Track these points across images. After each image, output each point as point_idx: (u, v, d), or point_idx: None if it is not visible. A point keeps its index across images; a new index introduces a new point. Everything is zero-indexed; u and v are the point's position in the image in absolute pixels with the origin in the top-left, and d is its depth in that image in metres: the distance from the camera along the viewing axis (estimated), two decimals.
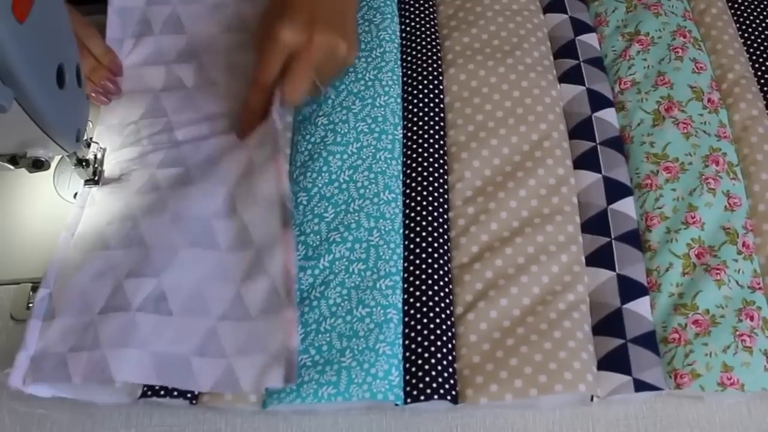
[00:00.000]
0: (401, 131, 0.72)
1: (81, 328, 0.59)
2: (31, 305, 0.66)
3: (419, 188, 0.68)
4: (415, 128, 0.72)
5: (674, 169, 0.68)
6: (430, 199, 0.67)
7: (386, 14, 0.78)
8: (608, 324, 0.62)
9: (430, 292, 0.63)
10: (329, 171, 0.68)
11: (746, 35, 0.78)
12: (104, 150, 0.71)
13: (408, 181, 0.69)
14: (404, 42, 0.78)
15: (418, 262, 0.64)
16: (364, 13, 0.78)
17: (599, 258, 0.65)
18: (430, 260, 0.64)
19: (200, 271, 0.61)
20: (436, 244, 0.65)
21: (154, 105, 0.74)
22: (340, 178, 0.68)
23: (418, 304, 0.62)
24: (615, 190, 0.68)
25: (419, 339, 0.61)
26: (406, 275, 0.64)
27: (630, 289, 0.63)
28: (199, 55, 0.76)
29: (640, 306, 0.63)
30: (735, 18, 0.79)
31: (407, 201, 0.68)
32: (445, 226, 0.67)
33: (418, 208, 0.67)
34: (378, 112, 0.71)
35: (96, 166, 0.69)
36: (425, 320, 0.62)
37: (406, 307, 0.63)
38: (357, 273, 0.63)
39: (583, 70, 0.75)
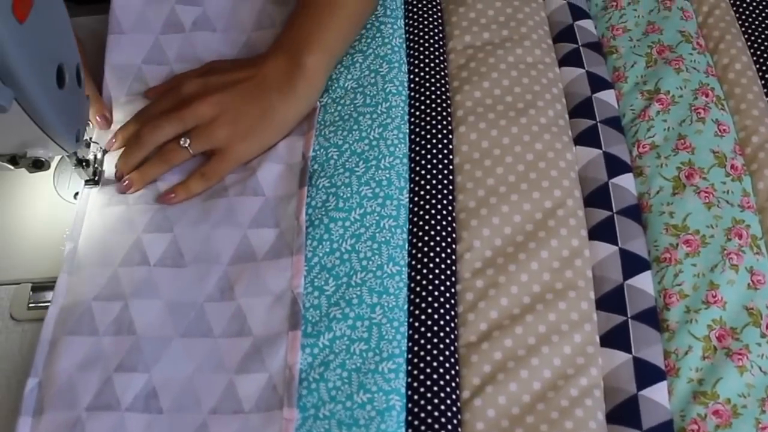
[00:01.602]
0: (407, 195, 0.70)
1: (69, 425, 0.58)
2: (31, 305, 0.67)
3: (425, 259, 0.66)
4: (422, 192, 0.70)
5: (695, 243, 0.66)
6: (437, 271, 0.66)
7: (393, 63, 0.76)
8: (623, 412, 0.61)
9: (435, 376, 0.61)
10: (330, 239, 0.66)
11: None
12: (104, 150, 0.71)
13: (413, 251, 0.67)
14: (412, 94, 0.76)
15: (423, 342, 0.63)
16: (370, 63, 0.76)
17: (614, 338, 0.64)
18: (435, 340, 0.63)
19: (192, 363, 0.61)
20: (442, 322, 0.63)
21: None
22: (341, 248, 0.66)
23: (422, 389, 0.61)
24: (632, 264, 0.66)
25: (423, 428, 0.59)
26: (410, 356, 0.62)
27: (647, 374, 0.62)
28: None
29: (657, 393, 0.61)
30: (761, 74, 0.77)
31: (412, 273, 0.66)
32: (452, 301, 0.65)
33: (424, 282, 0.65)
34: (383, 174, 0.69)
35: (96, 166, 0.70)
36: (429, 407, 0.60)
37: (409, 392, 0.61)
38: (358, 354, 0.61)
39: (600, 132, 0.73)
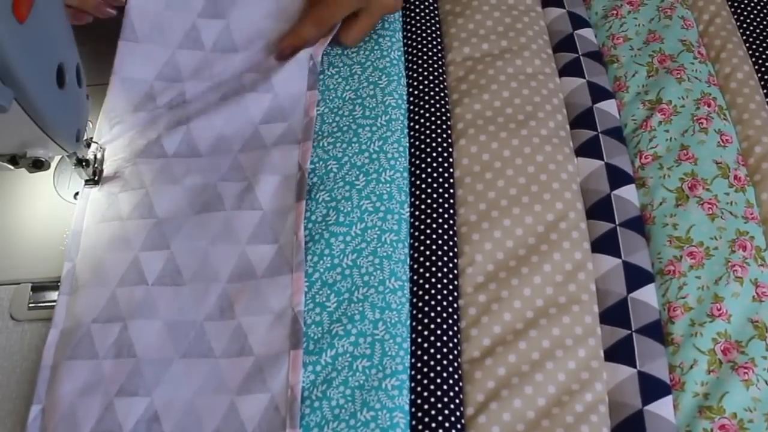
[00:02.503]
0: (408, 210, 0.70)
1: None
2: (31, 305, 0.67)
3: (427, 274, 0.66)
4: (422, 206, 0.70)
5: (699, 255, 0.67)
6: (439, 286, 0.66)
7: (392, 76, 0.76)
8: (629, 428, 0.61)
9: (438, 392, 0.61)
10: (331, 255, 0.66)
11: None
12: (104, 150, 0.72)
13: (415, 266, 0.67)
14: (411, 107, 0.76)
15: (426, 358, 0.63)
16: (369, 75, 0.77)
17: (619, 352, 0.64)
18: (438, 356, 0.63)
19: (193, 384, 0.61)
20: (445, 338, 0.63)
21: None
22: (342, 263, 0.66)
23: (426, 406, 0.61)
24: (635, 277, 0.66)
25: None
26: (413, 373, 0.62)
27: (652, 389, 0.62)
28: None
29: (663, 408, 0.61)
30: (763, 83, 0.77)
31: (414, 288, 0.66)
32: (455, 317, 0.65)
33: (426, 297, 0.65)
34: (383, 188, 0.69)
35: (96, 166, 0.71)
36: (434, 424, 0.60)
37: (413, 409, 0.61)
38: (361, 371, 0.61)
39: (601, 142, 0.73)
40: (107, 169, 0.72)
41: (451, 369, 0.62)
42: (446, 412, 0.60)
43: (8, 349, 0.66)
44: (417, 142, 0.74)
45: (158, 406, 0.59)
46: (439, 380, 0.61)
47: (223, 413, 0.59)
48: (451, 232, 0.69)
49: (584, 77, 0.78)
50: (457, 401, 0.61)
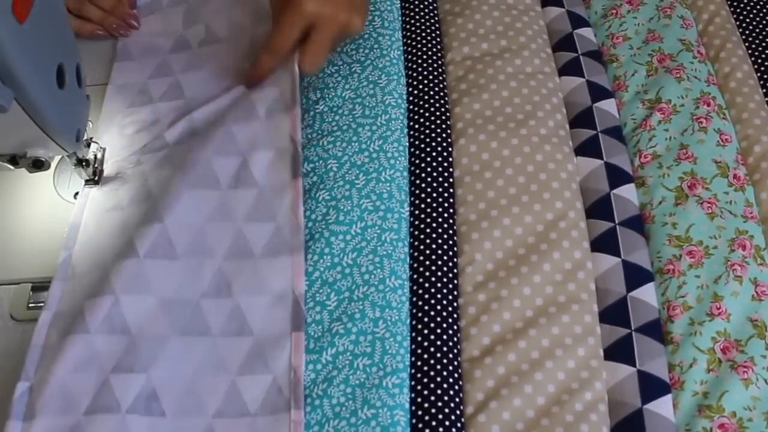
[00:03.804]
0: (407, 209, 0.70)
1: (67, 430, 0.58)
2: (31, 305, 0.67)
3: (427, 273, 0.67)
4: (422, 205, 0.70)
5: (698, 254, 0.67)
6: (439, 285, 0.66)
7: (392, 75, 0.77)
8: (628, 427, 0.61)
9: (439, 391, 0.61)
10: (331, 254, 0.67)
11: None
12: (104, 150, 0.72)
13: (415, 265, 0.68)
14: (411, 107, 0.77)
15: (426, 356, 0.63)
16: (368, 74, 0.77)
17: (618, 351, 0.64)
18: (439, 354, 0.63)
19: (192, 363, 0.61)
20: (445, 336, 0.64)
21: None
22: (343, 262, 0.66)
23: (426, 405, 0.61)
24: (635, 276, 0.67)
25: None
26: (413, 371, 0.63)
27: (652, 387, 0.62)
28: None
29: (662, 406, 0.61)
30: (762, 82, 0.78)
31: (414, 287, 0.67)
32: (455, 315, 0.66)
33: (426, 296, 0.66)
34: (383, 187, 0.70)
35: (96, 166, 0.71)
36: (434, 423, 0.60)
37: (413, 407, 0.61)
38: (362, 369, 0.62)
39: (601, 142, 0.74)
40: (108, 169, 0.73)
41: (450, 368, 0.63)
42: (446, 410, 0.61)
43: (8, 349, 0.66)
44: (417, 142, 0.74)
45: (156, 383, 0.59)
46: (439, 379, 0.62)
47: (224, 393, 0.59)
48: (450, 231, 0.69)
49: (584, 76, 0.78)
50: (457, 400, 0.62)
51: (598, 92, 0.77)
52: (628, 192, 0.71)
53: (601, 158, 0.73)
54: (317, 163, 0.72)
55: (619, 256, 0.68)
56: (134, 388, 0.59)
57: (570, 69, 0.79)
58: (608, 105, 0.77)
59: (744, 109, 0.75)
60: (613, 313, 0.66)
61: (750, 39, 0.81)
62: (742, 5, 0.84)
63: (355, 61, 0.78)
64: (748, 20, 0.82)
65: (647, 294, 0.66)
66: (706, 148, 0.72)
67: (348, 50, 0.79)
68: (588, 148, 0.73)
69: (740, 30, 0.82)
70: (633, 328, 0.65)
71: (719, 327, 0.64)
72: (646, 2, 0.84)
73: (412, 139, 0.74)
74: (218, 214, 0.68)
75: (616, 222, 0.69)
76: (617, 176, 0.72)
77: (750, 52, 0.80)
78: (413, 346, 0.64)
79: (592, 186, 0.71)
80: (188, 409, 0.59)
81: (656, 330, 0.65)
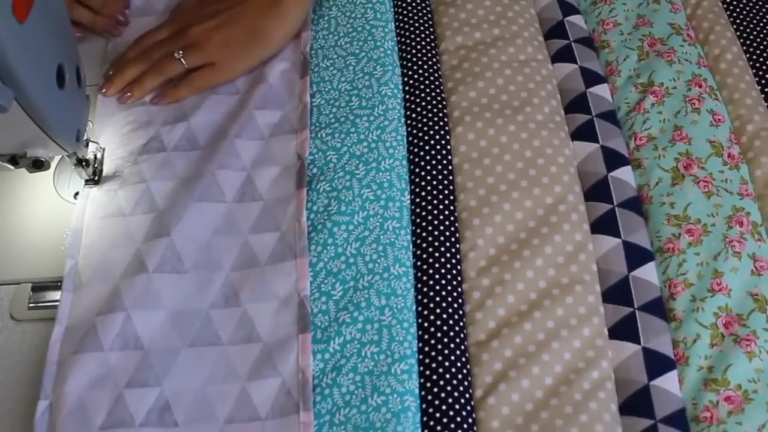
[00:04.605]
0: (408, 197, 0.71)
1: None
2: (31, 305, 0.68)
3: (431, 260, 0.67)
4: (422, 193, 0.71)
5: (697, 232, 0.68)
6: (443, 271, 0.67)
7: (387, 66, 0.77)
8: (636, 403, 0.62)
9: (447, 375, 0.62)
10: (335, 244, 0.67)
11: (764, 81, 0.78)
12: (104, 149, 0.73)
13: (418, 252, 0.68)
14: (407, 96, 0.77)
15: (433, 342, 0.64)
16: (363, 66, 0.78)
17: (623, 330, 0.65)
18: (446, 339, 0.64)
19: (203, 372, 0.61)
20: (451, 321, 0.64)
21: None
22: (346, 252, 0.67)
23: (435, 389, 0.61)
24: (636, 256, 0.68)
25: (438, 428, 0.60)
26: (421, 357, 0.63)
27: (657, 364, 0.63)
28: None
29: (668, 382, 0.62)
30: (751, 63, 0.79)
31: (418, 274, 0.67)
32: (460, 300, 0.66)
33: (431, 282, 0.66)
34: (383, 176, 0.70)
35: (96, 165, 0.72)
36: (444, 407, 0.61)
37: (423, 393, 0.62)
38: (370, 357, 0.62)
39: (596, 126, 0.74)
40: (107, 168, 0.73)
41: (458, 352, 0.63)
42: (455, 394, 0.61)
43: (8, 349, 0.66)
44: (414, 131, 0.75)
45: (169, 395, 0.59)
46: (447, 363, 0.62)
47: (234, 400, 0.59)
48: (452, 218, 0.70)
49: (576, 63, 0.79)
50: (466, 383, 0.62)
51: (591, 78, 0.78)
52: (625, 174, 0.72)
53: (597, 142, 0.74)
54: (316, 156, 0.72)
55: (619, 237, 0.69)
56: (147, 401, 0.60)
57: (563, 56, 0.80)
58: (602, 90, 0.78)
59: (735, 89, 0.76)
60: (616, 293, 0.66)
61: (738, 21, 0.82)
62: None
63: (350, 54, 0.79)
64: (735, 3, 0.84)
65: (648, 273, 0.67)
66: (700, 128, 0.73)
67: (342, 43, 0.79)
68: (584, 133, 0.74)
69: (727, 13, 0.83)
70: (636, 307, 0.65)
71: (720, 302, 0.65)
72: None
73: (409, 129, 0.75)
74: (224, 226, 0.69)
75: (615, 204, 0.70)
76: (614, 159, 0.73)
77: (738, 34, 0.81)
78: (420, 333, 0.64)
79: (590, 169, 0.72)
80: (200, 418, 0.60)
81: (659, 308, 0.66)
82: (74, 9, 0.80)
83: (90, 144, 0.71)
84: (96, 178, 0.72)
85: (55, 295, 0.68)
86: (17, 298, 0.68)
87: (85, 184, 0.72)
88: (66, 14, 0.60)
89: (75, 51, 0.62)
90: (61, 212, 0.72)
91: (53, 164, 0.72)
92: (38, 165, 0.61)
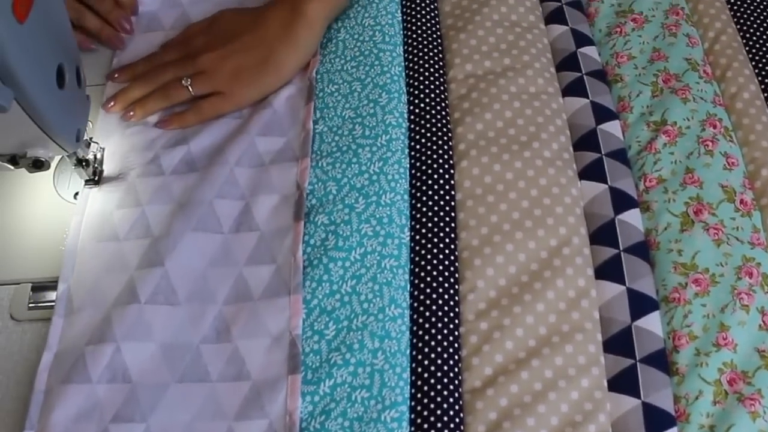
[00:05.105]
0: (408, 234, 0.69)
1: None
2: (31, 305, 0.68)
3: (428, 301, 0.66)
4: (423, 230, 0.69)
5: (704, 282, 0.66)
6: (440, 313, 0.65)
7: (393, 93, 0.76)
8: None
9: (439, 424, 0.60)
10: (330, 281, 0.66)
11: None
12: (104, 150, 0.73)
13: (415, 292, 0.66)
14: (412, 126, 0.75)
15: (426, 388, 0.62)
16: (369, 92, 0.76)
17: (623, 383, 0.63)
18: (439, 386, 0.62)
19: (191, 410, 0.60)
20: (446, 367, 0.63)
21: None
22: (342, 290, 0.65)
23: None
24: (640, 305, 0.66)
25: None
26: (413, 403, 0.62)
27: (657, 420, 0.61)
28: None
29: None
30: None
31: (414, 315, 0.65)
32: (456, 345, 0.64)
33: (426, 325, 0.65)
34: (383, 211, 0.69)
35: (96, 166, 0.72)
36: None
37: None
38: (360, 402, 0.61)
39: (605, 165, 0.72)
40: (108, 169, 0.73)
41: (451, 399, 0.62)
42: None
43: (8, 349, 0.66)
44: (418, 163, 0.73)
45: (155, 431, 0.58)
46: (439, 411, 0.61)
47: None
48: (452, 257, 0.68)
49: (588, 97, 0.77)
50: None
51: (602, 113, 0.76)
52: (633, 217, 0.70)
53: (606, 182, 0.71)
54: (316, 186, 0.71)
55: (623, 283, 0.67)
56: None
57: (574, 89, 0.78)
58: (613, 127, 0.75)
59: (751, 130, 0.74)
60: (618, 343, 0.65)
61: (757, 58, 0.80)
62: (749, 23, 0.82)
63: (356, 79, 0.77)
64: (754, 38, 0.81)
65: (652, 323, 0.65)
66: (713, 171, 0.71)
67: (348, 68, 0.78)
68: (592, 172, 0.72)
69: (747, 48, 0.81)
70: (638, 359, 0.64)
71: (726, 358, 0.63)
72: (650, 20, 0.82)
73: (413, 161, 0.73)
74: (220, 258, 0.67)
75: (621, 249, 0.68)
76: (622, 201, 0.71)
77: (757, 71, 0.79)
78: (413, 378, 0.63)
79: (597, 211, 0.70)
80: None
81: (661, 360, 0.64)
82: (83, 15, 0.79)
83: (90, 144, 0.71)
84: (96, 179, 0.72)
85: (55, 295, 0.67)
86: (17, 298, 0.68)
87: (85, 184, 0.72)
88: (66, 14, 0.60)
89: (75, 51, 0.62)
90: (61, 212, 0.72)
91: (53, 164, 0.73)
92: (38, 165, 0.61)
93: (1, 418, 0.63)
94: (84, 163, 0.70)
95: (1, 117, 0.51)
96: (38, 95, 0.53)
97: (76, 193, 0.73)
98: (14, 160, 0.61)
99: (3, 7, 0.48)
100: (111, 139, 0.75)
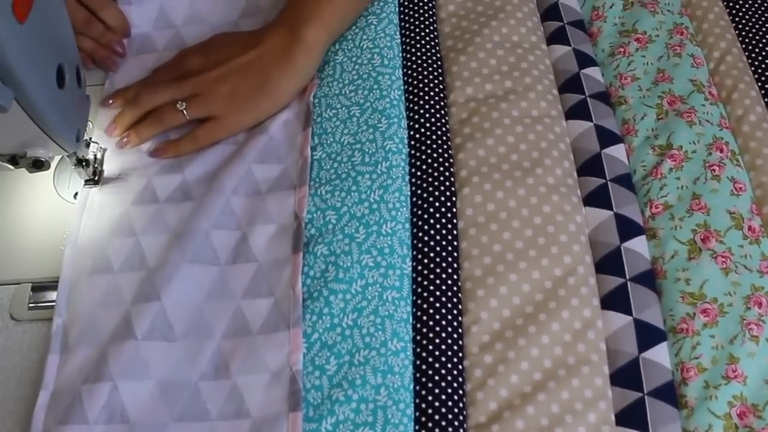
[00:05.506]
0: (410, 264, 0.68)
1: None
2: (31, 305, 0.68)
3: (430, 334, 0.64)
4: (425, 260, 0.68)
5: (712, 312, 0.65)
6: (443, 347, 0.64)
7: (392, 118, 0.74)
8: None
9: None
10: (331, 314, 0.64)
11: None
12: (104, 150, 0.73)
13: (417, 324, 0.65)
14: (413, 152, 0.74)
15: (430, 424, 0.61)
16: (368, 117, 0.74)
17: (631, 417, 0.62)
18: (443, 422, 0.61)
19: None
20: (450, 402, 0.62)
21: None
22: (343, 323, 0.64)
23: None
24: (647, 335, 0.65)
25: None
26: None
27: None
28: None
29: None
30: None
31: (417, 349, 0.64)
32: (460, 379, 0.63)
33: (430, 359, 0.63)
34: (384, 241, 0.67)
35: (96, 166, 0.72)
36: None
37: None
38: None
39: (610, 191, 0.71)
40: (107, 169, 0.73)
41: None
42: None
43: (8, 349, 0.67)
44: (419, 191, 0.71)
45: None
46: None
47: None
48: (455, 288, 0.67)
49: (591, 120, 0.76)
50: None
51: (606, 137, 0.75)
52: (639, 245, 0.69)
53: (611, 209, 0.70)
54: (315, 215, 0.69)
55: (630, 314, 0.65)
56: None
57: (577, 112, 0.76)
58: (617, 151, 0.74)
59: (758, 154, 0.73)
60: (625, 376, 0.63)
61: (763, 79, 0.78)
62: (754, 42, 0.81)
63: (354, 104, 0.75)
64: (760, 58, 0.80)
65: (660, 355, 0.64)
66: (720, 197, 0.70)
67: (346, 92, 0.76)
68: (597, 198, 0.71)
69: (752, 69, 0.80)
70: (645, 392, 0.62)
71: (735, 391, 0.62)
72: (654, 40, 0.81)
73: (413, 188, 0.72)
74: (216, 291, 0.66)
75: (627, 278, 0.67)
76: (628, 228, 0.69)
77: (763, 92, 0.78)
78: (417, 413, 0.61)
79: (602, 239, 0.69)
80: None
81: (670, 393, 0.63)
82: (77, 38, 0.78)
83: (90, 144, 0.71)
84: (96, 179, 0.72)
85: (55, 295, 0.67)
86: (17, 298, 0.69)
87: (85, 184, 0.72)
88: (66, 14, 0.60)
89: (75, 51, 0.63)
90: (61, 212, 0.73)
91: (53, 164, 0.73)
92: (38, 165, 0.62)
93: (1, 418, 0.63)
94: (84, 163, 0.70)
95: (1, 117, 0.51)
96: (38, 95, 0.53)
97: (76, 193, 0.73)
98: (14, 160, 0.61)
99: (3, 7, 0.48)
100: (111, 139, 0.74)
